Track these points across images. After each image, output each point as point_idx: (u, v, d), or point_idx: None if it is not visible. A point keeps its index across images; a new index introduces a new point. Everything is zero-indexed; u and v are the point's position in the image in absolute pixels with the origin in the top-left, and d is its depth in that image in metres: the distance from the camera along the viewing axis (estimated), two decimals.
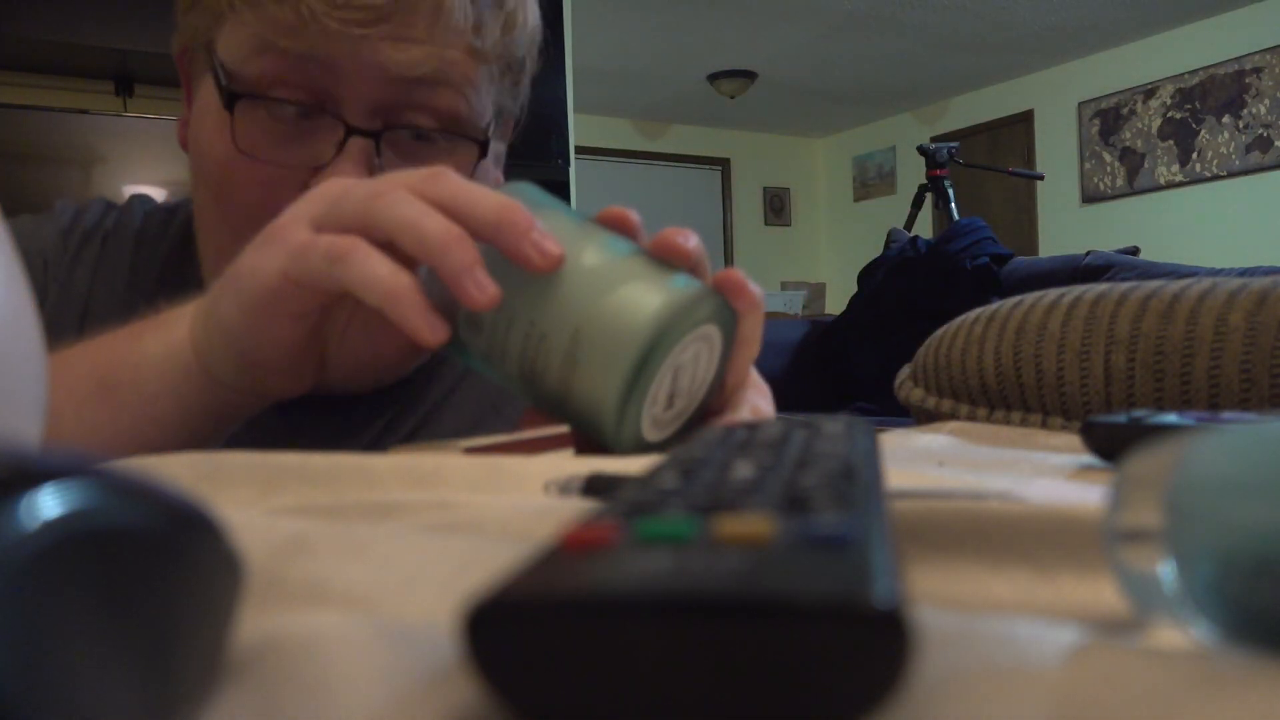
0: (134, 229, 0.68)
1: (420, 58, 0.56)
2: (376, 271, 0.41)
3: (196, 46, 0.60)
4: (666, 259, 0.42)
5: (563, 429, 0.44)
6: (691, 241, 0.43)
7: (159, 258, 0.67)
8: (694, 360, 0.42)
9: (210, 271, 0.64)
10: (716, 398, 0.46)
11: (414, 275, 0.42)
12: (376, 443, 0.62)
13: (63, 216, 0.69)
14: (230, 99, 0.56)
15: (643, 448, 0.42)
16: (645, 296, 0.40)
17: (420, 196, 0.42)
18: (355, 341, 0.49)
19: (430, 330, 0.41)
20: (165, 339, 0.47)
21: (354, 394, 0.63)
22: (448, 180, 0.43)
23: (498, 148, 0.67)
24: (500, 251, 0.41)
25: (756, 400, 0.48)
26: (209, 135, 0.58)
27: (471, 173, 0.61)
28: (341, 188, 0.44)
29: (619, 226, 0.45)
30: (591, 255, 0.42)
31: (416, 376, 0.66)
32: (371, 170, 0.56)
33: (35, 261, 0.65)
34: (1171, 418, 0.43)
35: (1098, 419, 0.44)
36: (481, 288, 0.40)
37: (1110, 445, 0.43)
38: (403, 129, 0.57)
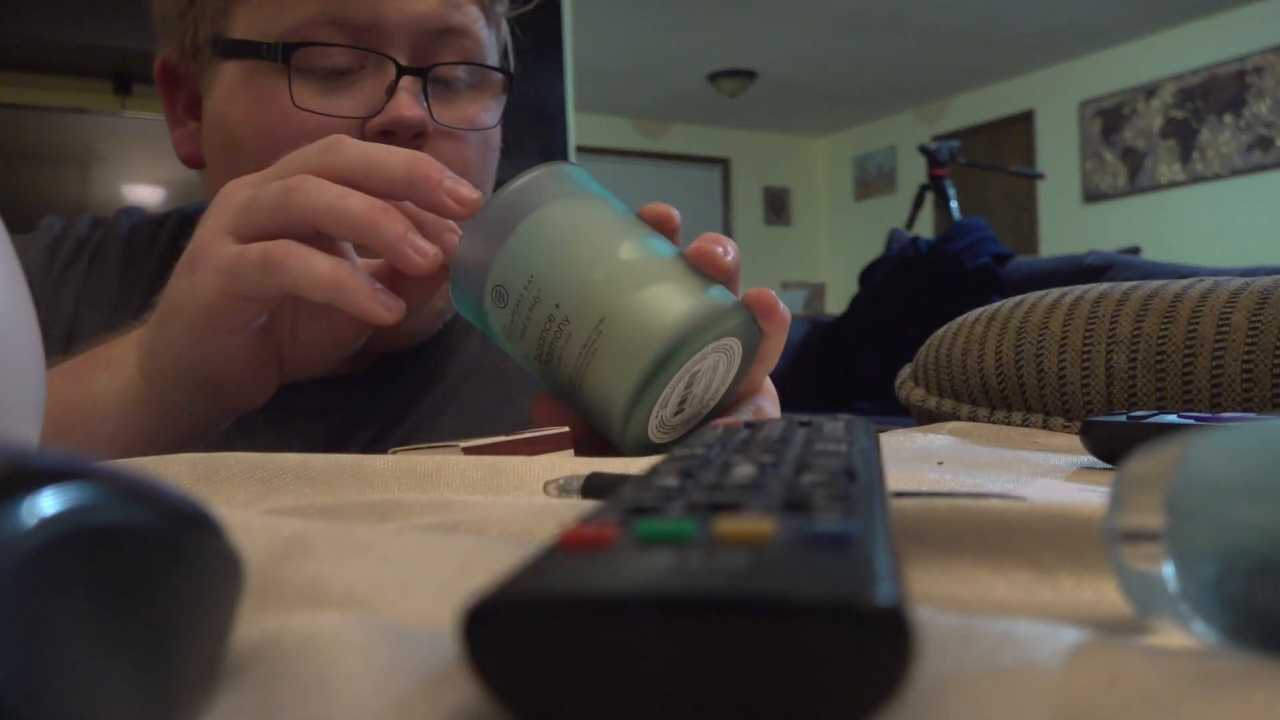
0: (120, 243, 0.69)
1: (437, 6, 0.58)
2: (316, 268, 0.41)
3: (199, 46, 0.60)
4: (702, 267, 0.42)
5: (563, 429, 0.44)
6: (729, 255, 0.43)
7: (148, 270, 0.67)
8: (711, 369, 0.42)
9: None
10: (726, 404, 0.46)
11: (350, 263, 0.42)
12: (375, 442, 0.63)
13: (48, 234, 0.69)
14: (286, 52, 0.56)
15: (646, 449, 0.42)
16: (674, 299, 0.40)
17: (324, 170, 0.42)
18: (309, 335, 0.49)
19: (386, 309, 0.41)
20: (115, 378, 0.47)
21: (349, 389, 0.63)
22: (347, 147, 0.43)
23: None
24: (416, 205, 0.42)
25: (762, 402, 0.49)
26: (244, 113, 0.59)
27: (499, 108, 0.63)
28: (247, 192, 0.44)
29: (661, 224, 0.45)
30: (628, 249, 0.42)
31: (417, 371, 0.66)
32: (423, 110, 0.58)
33: None
34: (1171, 418, 0.43)
35: (1097, 419, 0.44)
36: (421, 251, 0.41)
37: (1109, 445, 0.43)
38: (441, 67, 0.59)
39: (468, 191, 0.42)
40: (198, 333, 0.44)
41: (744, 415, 0.47)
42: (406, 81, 0.57)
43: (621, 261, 0.41)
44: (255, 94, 0.58)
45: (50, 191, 2.72)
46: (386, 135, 0.57)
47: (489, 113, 0.63)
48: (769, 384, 0.50)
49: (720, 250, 0.43)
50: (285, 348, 0.48)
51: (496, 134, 0.65)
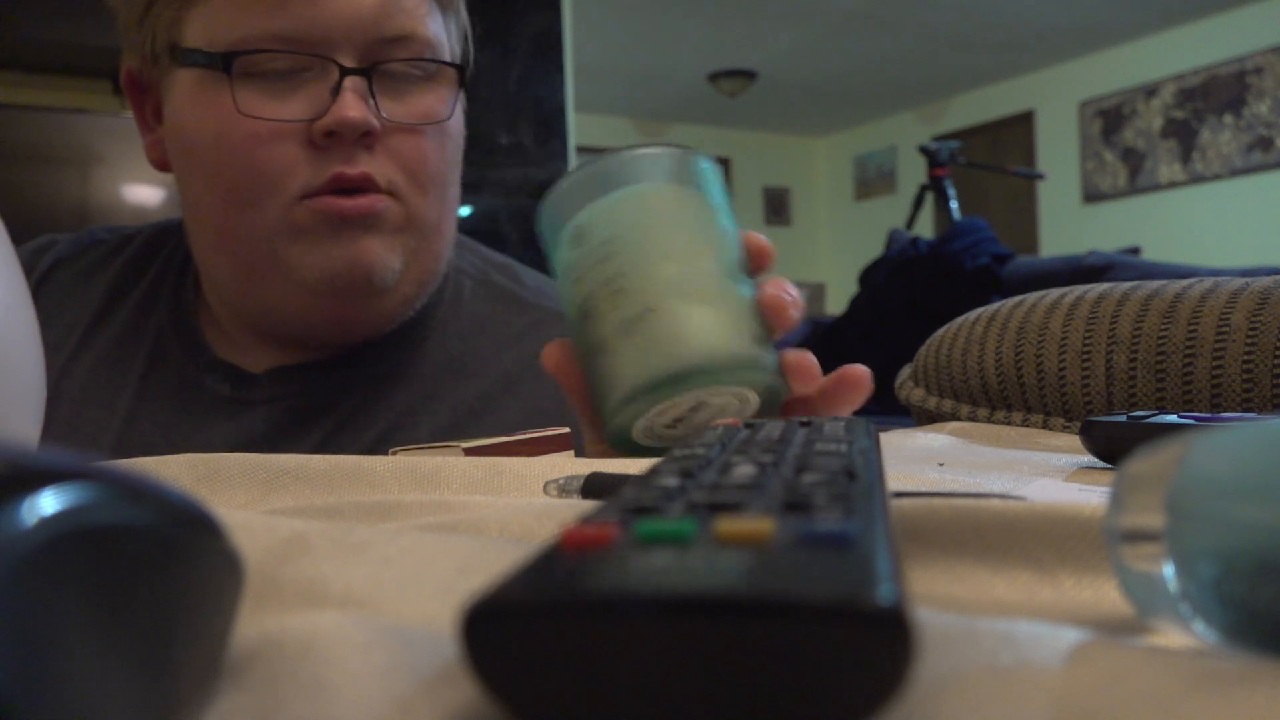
0: (67, 263, 0.70)
1: (377, 5, 0.58)
2: None
3: (157, 54, 0.61)
4: (767, 314, 0.43)
5: (563, 430, 0.44)
6: (796, 314, 0.43)
7: (103, 282, 0.69)
8: (720, 407, 0.42)
9: (211, 282, 0.65)
10: None
11: None
12: (326, 444, 0.63)
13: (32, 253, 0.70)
14: (226, 60, 0.57)
15: (625, 442, 0.42)
16: (719, 329, 0.41)
17: None
18: None
19: None
20: None
21: (305, 377, 0.64)
22: None
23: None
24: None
25: None
26: (198, 120, 0.59)
27: (454, 101, 0.63)
28: None
29: (753, 255, 0.45)
30: (709, 263, 0.42)
31: (386, 361, 0.66)
32: (368, 109, 0.58)
33: None
34: (1171, 418, 0.43)
35: (1097, 419, 0.44)
36: None
37: (1109, 446, 0.43)
38: (389, 64, 0.59)
39: None
40: None
41: None
42: (351, 82, 0.58)
43: (697, 269, 0.41)
44: (205, 101, 0.59)
45: (49, 192, 2.72)
46: (331, 137, 0.57)
47: (444, 104, 0.62)
48: None
49: (789, 301, 0.43)
50: None
51: (458, 125, 0.65)
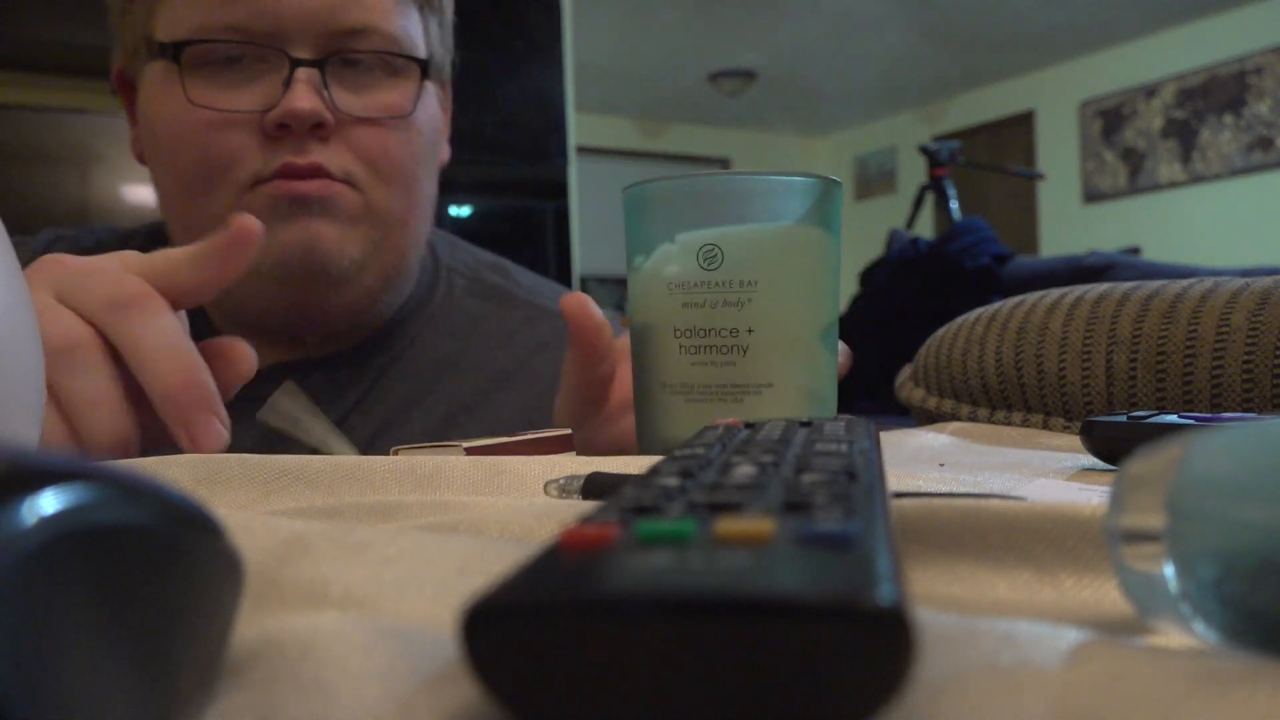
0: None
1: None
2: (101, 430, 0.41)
3: (136, 48, 0.62)
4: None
5: (564, 430, 0.44)
6: None
7: None
8: None
9: None
10: None
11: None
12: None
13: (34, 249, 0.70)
14: (176, 50, 0.58)
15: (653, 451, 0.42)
16: (804, 396, 0.40)
17: (108, 333, 0.41)
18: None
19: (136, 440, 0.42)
20: None
21: (287, 376, 0.64)
22: (139, 322, 0.41)
23: (439, 86, 0.68)
24: (163, 417, 0.41)
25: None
26: (158, 110, 0.60)
27: (417, 95, 0.63)
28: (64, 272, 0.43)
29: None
30: (820, 319, 0.41)
31: (376, 360, 0.66)
32: (323, 102, 0.58)
33: None
34: (1171, 418, 0.43)
35: (1097, 419, 0.44)
36: (201, 437, 0.41)
37: (1110, 446, 0.43)
38: (343, 55, 0.60)
39: (212, 440, 0.41)
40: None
41: None
42: (303, 73, 0.58)
43: (811, 338, 0.40)
44: (165, 92, 0.59)
45: (48, 192, 2.71)
46: (284, 129, 0.57)
47: (407, 99, 0.62)
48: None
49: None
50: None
51: (429, 120, 0.65)
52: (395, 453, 0.42)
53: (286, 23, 0.58)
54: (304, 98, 0.57)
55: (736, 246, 0.40)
